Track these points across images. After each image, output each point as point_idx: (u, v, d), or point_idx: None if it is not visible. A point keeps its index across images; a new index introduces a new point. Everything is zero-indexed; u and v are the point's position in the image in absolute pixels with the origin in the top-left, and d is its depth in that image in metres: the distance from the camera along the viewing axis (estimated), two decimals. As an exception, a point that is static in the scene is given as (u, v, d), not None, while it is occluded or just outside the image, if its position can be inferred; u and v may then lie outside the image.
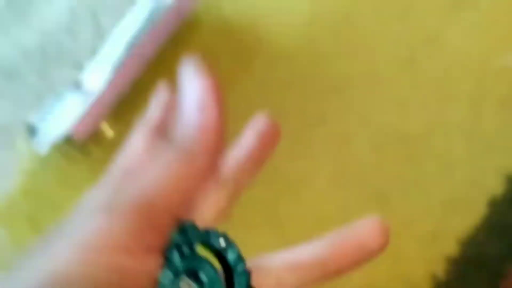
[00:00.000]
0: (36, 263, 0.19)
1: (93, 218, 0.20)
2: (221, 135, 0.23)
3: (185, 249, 0.23)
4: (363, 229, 0.22)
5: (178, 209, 0.21)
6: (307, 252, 0.22)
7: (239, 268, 0.24)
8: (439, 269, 0.38)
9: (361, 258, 0.22)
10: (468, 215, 0.38)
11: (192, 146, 0.22)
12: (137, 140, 0.24)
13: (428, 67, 0.43)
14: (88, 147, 0.41)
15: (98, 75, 0.43)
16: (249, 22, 0.46)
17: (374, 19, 0.45)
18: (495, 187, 0.38)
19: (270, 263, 0.22)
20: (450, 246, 0.38)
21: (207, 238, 0.24)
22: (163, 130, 0.24)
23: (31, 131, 0.44)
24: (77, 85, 0.44)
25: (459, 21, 0.43)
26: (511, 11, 0.43)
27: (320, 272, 0.22)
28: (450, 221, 0.39)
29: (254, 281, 0.22)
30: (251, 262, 0.22)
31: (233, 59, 0.46)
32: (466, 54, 0.42)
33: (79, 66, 0.48)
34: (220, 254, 0.24)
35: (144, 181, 0.21)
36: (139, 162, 0.22)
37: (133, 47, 0.43)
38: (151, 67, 0.44)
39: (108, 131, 0.41)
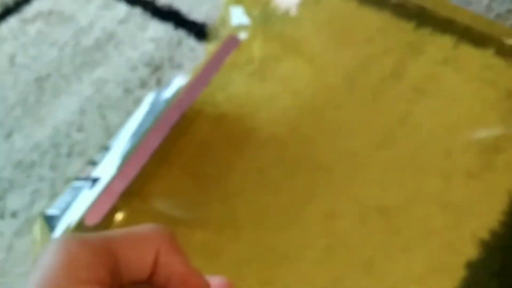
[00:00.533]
0: None
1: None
2: None
3: None
4: None
5: None
6: None
7: None
8: (427, 330, 0.41)
9: None
10: (447, 277, 0.42)
11: None
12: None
13: (402, 145, 0.48)
14: (99, 231, 0.45)
15: (108, 166, 0.47)
16: (240, 112, 0.52)
17: (350, 104, 0.51)
18: (470, 250, 0.42)
19: None
20: (434, 309, 0.41)
21: None
22: None
23: (46, 219, 0.48)
24: (88, 176, 0.49)
25: (425, 104, 0.49)
26: (469, 92, 0.49)
27: None
28: (431, 284, 0.42)
29: None
30: None
31: (228, 145, 0.51)
32: (433, 132, 0.48)
33: (90, 159, 0.53)
34: None
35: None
36: None
37: (139, 140, 0.48)
38: (157, 156, 0.49)
39: (118, 216, 0.46)
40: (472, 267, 0.42)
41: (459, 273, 0.42)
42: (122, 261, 0.21)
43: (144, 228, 0.22)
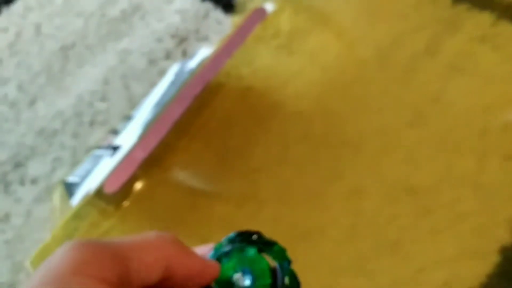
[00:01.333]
0: None
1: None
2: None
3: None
4: None
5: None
6: None
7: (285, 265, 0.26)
8: (454, 316, 0.39)
9: None
10: (479, 263, 0.40)
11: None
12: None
13: (434, 124, 0.46)
14: (118, 200, 0.44)
15: (129, 135, 0.46)
16: (266, 86, 0.51)
17: (381, 80, 0.49)
18: (504, 236, 0.40)
19: None
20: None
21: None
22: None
23: (66, 186, 0.47)
24: (109, 145, 0.48)
25: (459, 83, 0.47)
26: (507, 71, 0.46)
27: None
28: (463, 270, 0.40)
29: None
30: None
31: (252, 119, 0.49)
32: (468, 112, 0.46)
33: (111, 128, 0.52)
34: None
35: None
36: None
37: (161, 109, 0.47)
38: (179, 127, 0.48)
39: (137, 185, 0.45)
40: (506, 252, 0.39)
41: (492, 258, 0.40)
42: (132, 267, 0.21)
43: (149, 236, 0.23)
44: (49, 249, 0.42)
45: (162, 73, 0.55)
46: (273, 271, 0.27)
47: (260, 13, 0.53)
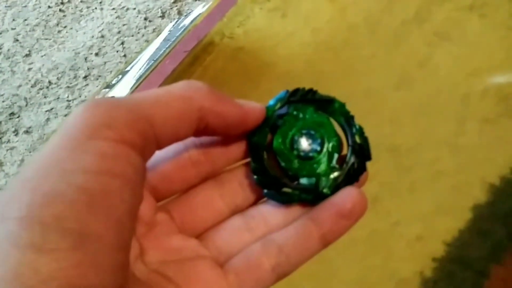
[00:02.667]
0: None
1: None
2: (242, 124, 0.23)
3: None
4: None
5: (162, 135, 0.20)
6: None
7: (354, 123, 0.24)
8: (427, 268, 0.41)
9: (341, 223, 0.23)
10: (453, 219, 0.42)
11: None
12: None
13: (419, 88, 0.47)
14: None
15: (123, 87, 0.48)
16: (257, 46, 0.52)
17: (370, 45, 0.50)
18: (478, 194, 0.42)
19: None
20: (437, 247, 0.41)
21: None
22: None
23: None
24: (103, 98, 0.49)
25: (446, 49, 0.48)
26: (493, 39, 0.48)
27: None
28: (437, 224, 0.42)
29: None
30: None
31: (243, 78, 0.50)
32: (452, 78, 0.47)
33: (106, 82, 0.53)
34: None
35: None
36: None
37: (154, 64, 0.48)
38: (170, 83, 0.49)
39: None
40: (479, 210, 0.41)
41: (465, 215, 0.42)
42: (157, 123, 0.20)
43: (176, 86, 0.21)
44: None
45: (157, 31, 0.56)
46: (336, 131, 0.24)
47: (255, -25, 0.54)
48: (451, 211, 0.42)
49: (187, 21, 0.51)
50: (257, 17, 0.53)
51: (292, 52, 0.51)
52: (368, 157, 0.24)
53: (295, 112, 0.24)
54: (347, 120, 0.24)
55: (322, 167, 0.24)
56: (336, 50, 0.50)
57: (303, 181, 0.24)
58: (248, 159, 0.24)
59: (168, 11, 0.56)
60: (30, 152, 0.52)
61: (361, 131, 0.24)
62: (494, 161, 0.43)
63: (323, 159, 0.24)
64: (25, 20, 0.58)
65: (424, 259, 0.41)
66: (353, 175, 0.24)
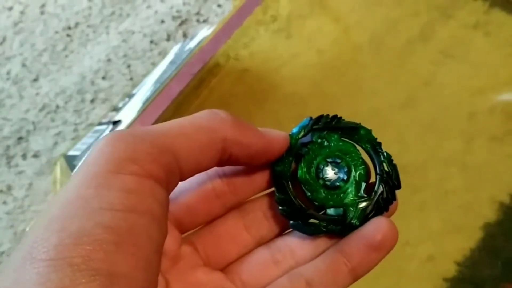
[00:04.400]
0: None
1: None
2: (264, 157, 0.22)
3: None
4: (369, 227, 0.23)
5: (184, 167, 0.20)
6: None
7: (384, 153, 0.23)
8: (438, 288, 0.40)
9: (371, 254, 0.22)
10: (464, 239, 0.41)
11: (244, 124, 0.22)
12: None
13: (425, 106, 0.47)
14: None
15: (130, 110, 0.48)
16: (263, 68, 0.52)
17: (375, 64, 0.50)
18: (488, 213, 0.42)
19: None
20: (448, 267, 0.41)
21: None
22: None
23: (67, 158, 0.49)
24: (110, 120, 0.49)
25: (451, 67, 0.48)
26: (497, 57, 0.48)
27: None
28: (447, 244, 0.42)
29: None
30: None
31: (248, 99, 0.51)
32: (458, 96, 0.47)
33: (113, 106, 0.54)
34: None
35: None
36: None
37: (160, 87, 0.49)
38: (176, 106, 0.49)
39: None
40: (489, 228, 0.41)
41: (476, 234, 0.41)
42: (181, 155, 0.20)
43: (203, 116, 0.21)
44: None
45: (163, 53, 0.57)
46: (363, 158, 0.23)
47: (259, -3, 0.55)
48: (461, 230, 0.42)
49: (192, 44, 0.52)
50: (262, 39, 0.53)
51: (297, 73, 0.51)
52: (398, 186, 0.23)
53: (319, 140, 0.24)
54: (374, 147, 0.23)
55: (350, 197, 0.23)
56: (341, 71, 0.50)
57: (330, 211, 0.23)
58: (272, 189, 0.24)
59: (173, 34, 0.57)
60: (38, 176, 0.53)
61: (389, 159, 0.23)
62: (502, 179, 0.43)
63: (350, 188, 0.23)
64: (33, 45, 0.59)
65: (436, 280, 0.40)
66: (382, 204, 0.23)
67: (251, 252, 0.24)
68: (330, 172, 0.23)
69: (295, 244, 0.23)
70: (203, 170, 0.21)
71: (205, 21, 0.58)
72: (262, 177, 0.24)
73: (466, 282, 0.39)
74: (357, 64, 0.50)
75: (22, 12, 0.62)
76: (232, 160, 0.21)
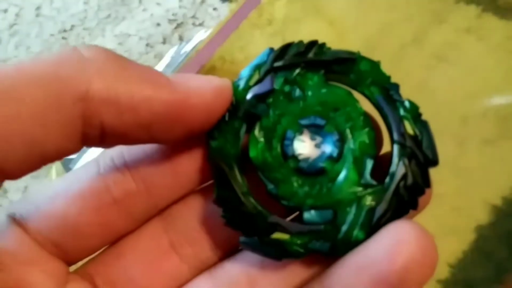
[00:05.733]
0: None
1: None
2: None
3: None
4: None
5: None
6: None
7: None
8: (431, 290, 0.41)
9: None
10: (457, 241, 0.42)
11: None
12: None
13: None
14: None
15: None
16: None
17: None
18: (480, 215, 0.42)
19: None
20: (441, 269, 0.42)
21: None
22: None
23: (63, 162, 0.49)
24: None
25: (444, 71, 0.49)
26: (490, 60, 0.49)
27: None
28: (440, 246, 0.42)
29: None
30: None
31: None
32: (451, 99, 0.48)
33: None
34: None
35: None
36: None
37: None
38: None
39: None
40: (482, 231, 0.42)
41: (468, 236, 0.42)
42: None
43: (53, 56, 0.13)
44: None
45: (159, 56, 0.57)
46: (367, 114, 0.14)
47: (255, 1, 0.55)
48: (454, 232, 0.42)
49: (188, 47, 0.52)
50: (258, 42, 0.54)
51: (292, 76, 0.51)
52: (433, 160, 0.15)
53: (286, 88, 0.15)
54: (386, 92, 0.15)
55: (345, 188, 0.14)
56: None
57: (310, 216, 0.14)
58: (211, 181, 0.15)
59: (169, 37, 0.57)
60: (34, 178, 0.53)
61: (414, 112, 0.14)
62: (495, 181, 0.44)
63: (345, 171, 0.14)
64: (28, 48, 0.59)
65: (429, 282, 0.41)
66: (406, 198, 0.14)
67: (185, 286, 0.15)
68: (307, 145, 0.14)
69: (254, 274, 0.14)
70: (49, 161, 0.13)
71: (201, 24, 0.59)
72: (192, 161, 0.15)
73: (459, 284, 0.40)
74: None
75: (17, 15, 0.62)
76: (109, 135, 0.13)
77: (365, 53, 0.53)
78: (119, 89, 0.12)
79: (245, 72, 0.15)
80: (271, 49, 0.16)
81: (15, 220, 0.15)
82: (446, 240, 0.42)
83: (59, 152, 0.13)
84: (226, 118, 0.14)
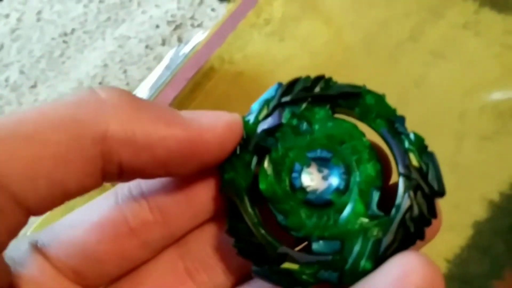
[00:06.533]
0: None
1: None
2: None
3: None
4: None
5: None
6: None
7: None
8: (430, 286, 0.41)
9: None
10: (454, 236, 0.42)
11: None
12: None
13: (416, 106, 0.48)
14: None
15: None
16: (257, 70, 0.53)
17: (367, 66, 0.51)
18: (478, 211, 0.43)
19: None
20: (439, 265, 0.42)
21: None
22: None
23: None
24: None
25: (441, 67, 0.49)
26: (488, 55, 0.49)
27: None
28: (438, 242, 0.42)
29: None
30: None
31: (244, 102, 0.51)
32: (448, 95, 0.48)
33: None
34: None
35: None
36: None
37: (156, 92, 0.49)
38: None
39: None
40: (479, 227, 0.42)
41: (466, 232, 0.42)
42: (15, 178, 0.13)
43: (71, 99, 0.13)
44: (48, 222, 0.45)
45: (158, 58, 0.58)
46: (374, 147, 0.15)
47: (252, 1, 0.55)
48: (451, 228, 0.43)
49: (187, 48, 0.52)
50: (256, 42, 0.54)
51: (291, 75, 0.52)
52: (439, 191, 0.15)
53: (294, 122, 0.15)
54: (392, 125, 0.16)
55: (352, 219, 0.14)
56: (333, 72, 0.51)
57: (319, 246, 0.14)
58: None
59: (168, 39, 0.58)
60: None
61: (420, 144, 0.15)
62: (493, 177, 0.44)
63: (352, 203, 0.14)
64: (30, 52, 0.60)
65: (427, 277, 0.41)
66: (413, 229, 0.15)
67: None
68: (314, 177, 0.14)
69: None
70: (71, 197, 0.13)
71: (199, 25, 0.59)
72: (207, 192, 0.16)
73: (455, 280, 0.40)
74: (349, 65, 0.51)
75: (19, 19, 0.63)
76: (128, 172, 0.14)
77: (362, 50, 0.53)
78: (135, 130, 0.13)
79: (254, 106, 0.16)
80: (279, 84, 0.16)
81: (37, 248, 0.15)
82: (443, 236, 0.42)
83: (81, 189, 0.14)
84: (238, 152, 0.15)
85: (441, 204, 0.44)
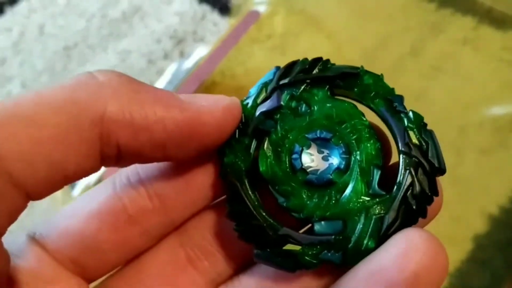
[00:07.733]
0: None
1: None
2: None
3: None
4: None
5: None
6: None
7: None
8: (431, 299, 0.42)
9: None
10: (455, 250, 0.43)
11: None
12: None
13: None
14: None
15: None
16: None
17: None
18: (478, 224, 0.43)
19: None
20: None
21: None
22: None
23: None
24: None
25: (441, 82, 0.50)
26: (487, 71, 0.49)
27: None
28: (439, 256, 0.43)
29: None
30: None
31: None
32: (448, 109, 0.48)
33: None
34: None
35: None
36: None
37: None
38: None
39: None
40: (479, 240, 0.42)
41: (466, 245, 0.43)
42: (14, 160, 0.12)
43: (70, 83, 0.13)
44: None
45: (160, 72, 0.58)
46: (374, 127, 0.15)
47: (254, 16, 0.56)
48: (452, 241, 0.43)
49: (189, 63, 0.53)
50: (257, 56, 0.55)
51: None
52: (440, 168, 0.16)
53: (293, 103, 0.15)
54: (391, 104, 0.16)
55: (353, 198, 0.14)
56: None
57: (321, 227, 0.14)
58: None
59: (170, 53, 0.59)
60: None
61: (419, 122, 0.15)
62: (492, 191, 0.44)
63: (353, 182, 0.14)
64: (32, 66, 0.60)
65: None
66: (415, 206, 0.15)
67: None
68: (314, 158, 0.14)
69: (268, 286, 0.14)
70: (70, 181, 0.13)
71: (201, 40, 0.60)
72: (205, 178, 0.15)
73: (458, 293, 0.41)
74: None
75: (21, 33, 0.63)
76: (126, 154, 0.13)
77: (363, 65, 0.54)
78: (134, 111, 0.13)
79: (253, 90, 0.16)
80: (277, 68, 0.16)
81: (34, 239, 0.15)
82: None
83: (80, 172, 0.13)
84: (236, 135, 0.15)
85: (441, 216, 0.44)
